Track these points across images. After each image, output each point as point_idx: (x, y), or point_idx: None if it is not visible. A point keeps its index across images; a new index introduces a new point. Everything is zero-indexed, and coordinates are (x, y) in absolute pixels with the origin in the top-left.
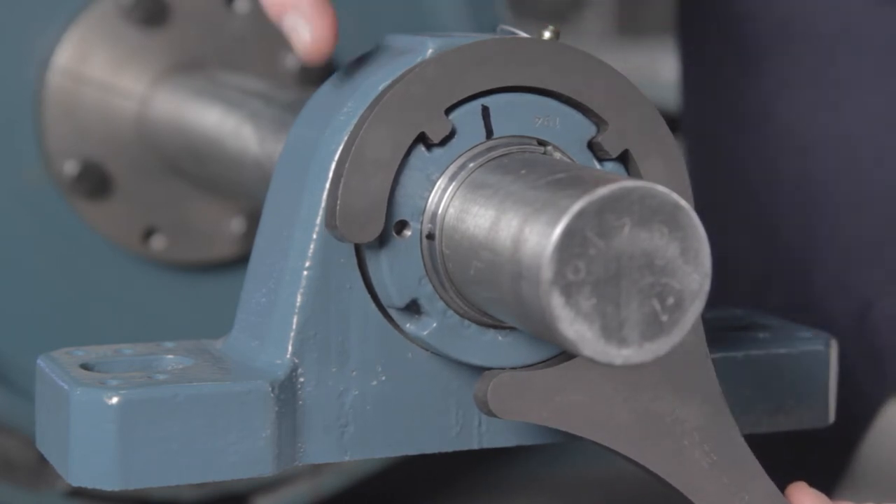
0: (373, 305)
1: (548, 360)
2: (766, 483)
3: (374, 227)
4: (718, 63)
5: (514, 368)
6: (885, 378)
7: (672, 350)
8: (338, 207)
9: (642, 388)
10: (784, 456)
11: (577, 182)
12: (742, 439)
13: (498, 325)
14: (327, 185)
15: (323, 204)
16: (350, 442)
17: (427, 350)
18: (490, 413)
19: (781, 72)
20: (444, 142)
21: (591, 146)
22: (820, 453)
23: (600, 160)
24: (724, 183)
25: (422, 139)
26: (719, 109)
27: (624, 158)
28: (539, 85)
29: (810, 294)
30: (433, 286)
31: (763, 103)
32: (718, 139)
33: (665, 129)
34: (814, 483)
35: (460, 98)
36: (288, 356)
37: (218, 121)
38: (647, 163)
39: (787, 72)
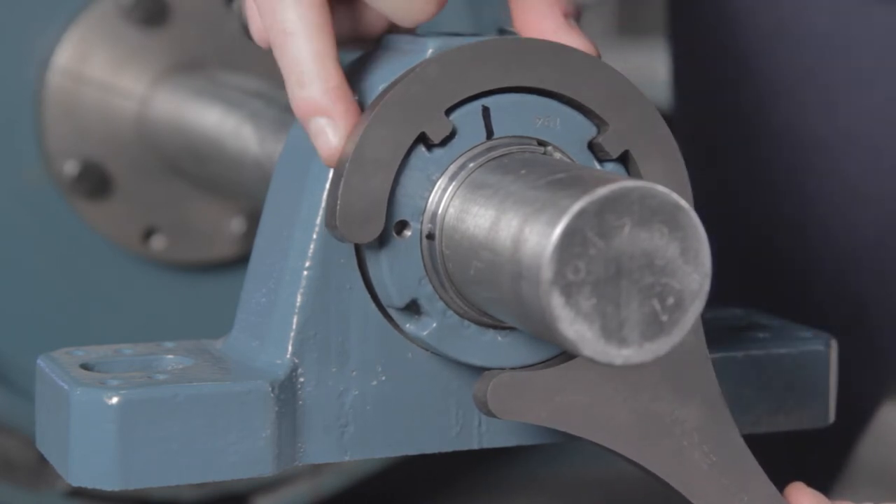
0: (373, 305)
1: (548, 360)
2: (765, 484)
3: (374, 228)
4: (711, 63)
5: (513, 368)
6: (882, 379)
7: (672, 350)
8: (338, 207)
9: (642, 389)
10: (784, 456)
11: (577, 182)
12: (741, 440)
13: (498, 325)
14: (327, 186)
15: (323, 204)
16: (350, 442)
17: (427, 350)
18: (489, 413)
19: (774, 72)
20: (444, 142)
21: (592, 147)
22: (820, 453)
23: (601, 161)
24: (718, 183)
25: (422, 139)
26: (712, 110)
27: (624, 159)
28: (539, 85)
29: (806, 295)
30: (433, 286)
31: (756, 104)
32: (711, 139)
33: (665, 129)
34: (813, 483)
35: (461, 98)
36: (288, 356)
37: (218, 121)
38: (647, 163)
39: (781, 72)
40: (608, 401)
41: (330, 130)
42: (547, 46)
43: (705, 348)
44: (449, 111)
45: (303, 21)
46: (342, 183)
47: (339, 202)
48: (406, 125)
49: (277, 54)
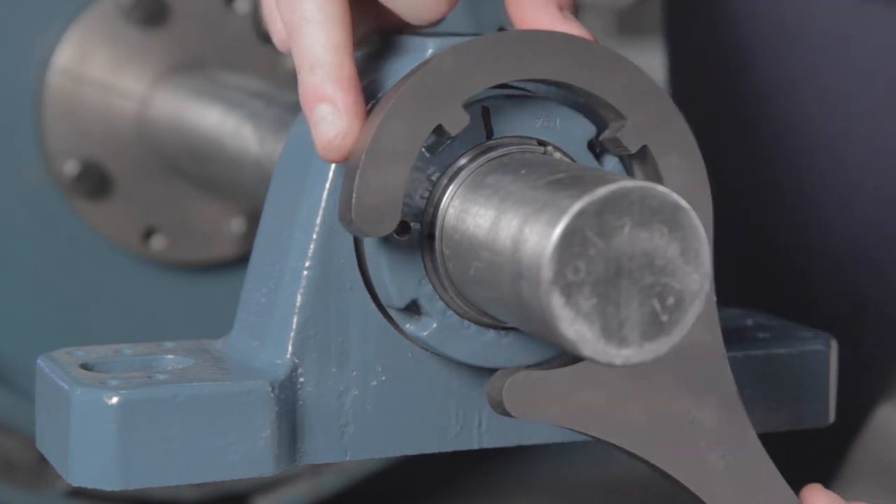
0: (373, 305)
1: (553, 358)
2: (782, 486)
3: (391, 221)
4: (709, 63)
5: (527, 367)
6: (880, 379)
7: (689, 349)
8: (353, 201)
9: (658, 389)
10: (784, 456)
11: (577, 182)
12: (758, 441)
13: (498, 325)
14: (327, 185)
15: (323, 204)
16: (350, 442)
17: (427, 350)
18: (505, 413)
19: (773, 72)
20: (446, 142)
21: (606, 142)
22: (818, 453)
23: (599, 158)
24: (717, 183)
25: (438, 132)
26: (711, 110)
27: (641, 154)
28: (557, 78)
29: (803, 295)
30: (433, 286)
31: (755, 104)
32: (710, 140)
33: (684, 124)
34: (811, 482)
35: (478, 90)
36: (288, 356)
37: (218, 121)
38: (665, 159)
39: (780, 72)
40: (624, 401)
41: (331, 119)
42: (565, 39)
43: (723, 348)
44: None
45: (321, 11)
46: (358, 176)
47: (354, 195)
48: (423, 117)
49: (293, 43)
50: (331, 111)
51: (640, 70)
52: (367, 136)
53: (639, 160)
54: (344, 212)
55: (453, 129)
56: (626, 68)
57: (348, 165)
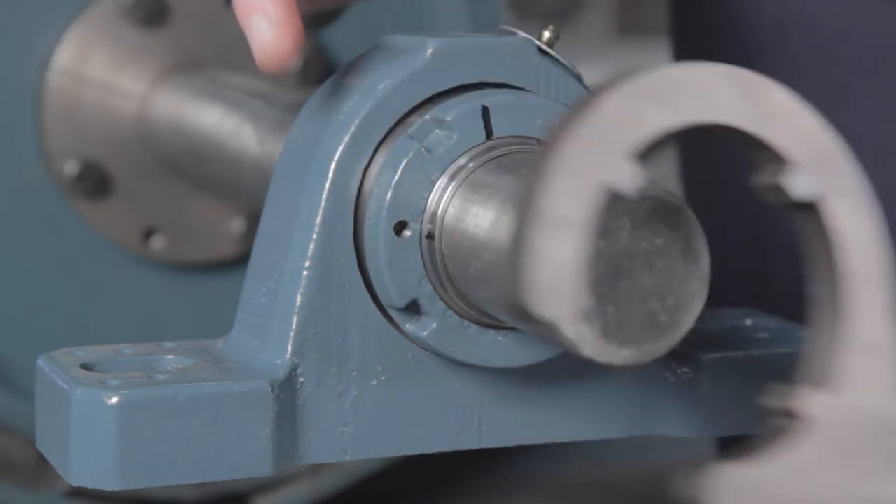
0: (373, 305)
1: (751, 449)
2: None
3: (575, 297)
4: (714, 61)
5: (727, 463)
6: None
7: (885, 425)
8: (525, 279)
9: (857, 471)
10: None
11: None
12: None
13: (498, 325)
14: (327, 185)
15: (323, 204)
16: (350, 442)
17: (427, 350)
18: None
19: (777, 72)
20: (444, 142)
21: (762, 190)
22: None
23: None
24: (718, 183)
25: (612, 194)
26: None
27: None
28: (726, 121)
29: (802, 295)
30: (433, 286)
31: None
32: (710, 138)
33: (851, 167)
34: None
35: (648, 137)
36: (288, 356)
37: (218, 121)
38: (831, 204)
39: (783, 72)
40: (828, 491)
41: (265, 29)
42: (733, 79)
43: None
44: (449, 109)
45: None
46: (525, 249)
47: (525, 272)
48: (592, 176)
49: None
50: (265, 22)
51: (800, 103)
52: (528, 199)
53: (802, 208)
54: (513, 293)
55: (626, 187)
56: (783, 102)
57: (515, 234)
